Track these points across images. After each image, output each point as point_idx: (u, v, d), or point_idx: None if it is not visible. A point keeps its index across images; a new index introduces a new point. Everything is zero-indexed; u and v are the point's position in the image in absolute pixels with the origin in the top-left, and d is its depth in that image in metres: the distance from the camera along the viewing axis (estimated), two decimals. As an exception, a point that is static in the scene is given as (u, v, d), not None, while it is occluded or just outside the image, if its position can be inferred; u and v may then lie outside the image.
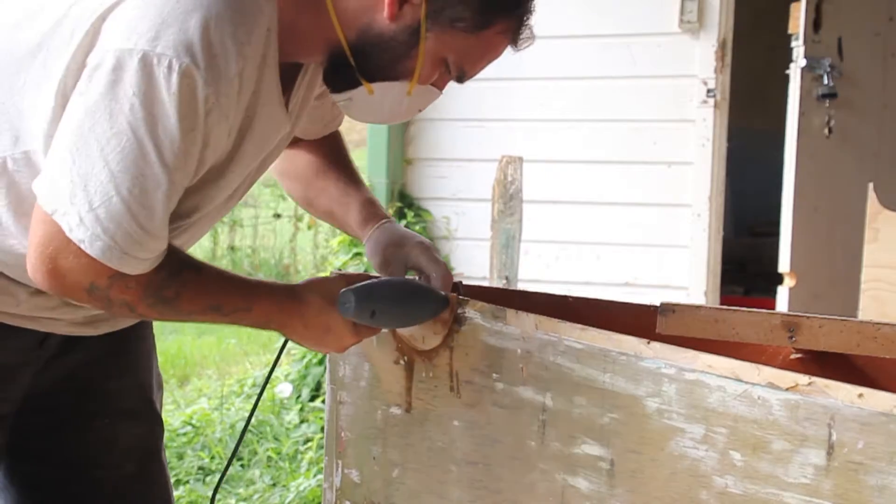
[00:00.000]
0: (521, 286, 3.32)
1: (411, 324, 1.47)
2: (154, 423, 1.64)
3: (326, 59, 1.36)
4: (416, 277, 1.51)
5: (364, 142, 4.52)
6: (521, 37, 1.36)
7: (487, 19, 1.31)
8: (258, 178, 1.49)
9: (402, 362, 1.53)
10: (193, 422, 4.05)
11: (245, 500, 3.43)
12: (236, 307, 1.33)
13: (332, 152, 1.63)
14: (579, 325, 1.28)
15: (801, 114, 3.79)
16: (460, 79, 1.38)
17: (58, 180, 1.20)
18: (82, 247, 1.20)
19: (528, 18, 1.35)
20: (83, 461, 1.56)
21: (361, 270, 3.92)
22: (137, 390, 1.61)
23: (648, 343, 1.20)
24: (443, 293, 1.45)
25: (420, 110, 1.44)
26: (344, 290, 1.36)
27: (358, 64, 1.33)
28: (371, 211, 1.58)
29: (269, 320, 1.36)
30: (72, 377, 1.52)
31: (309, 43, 1.34)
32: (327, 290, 1.38)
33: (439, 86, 1.40)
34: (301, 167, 1.63)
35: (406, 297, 1.44)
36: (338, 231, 4.54)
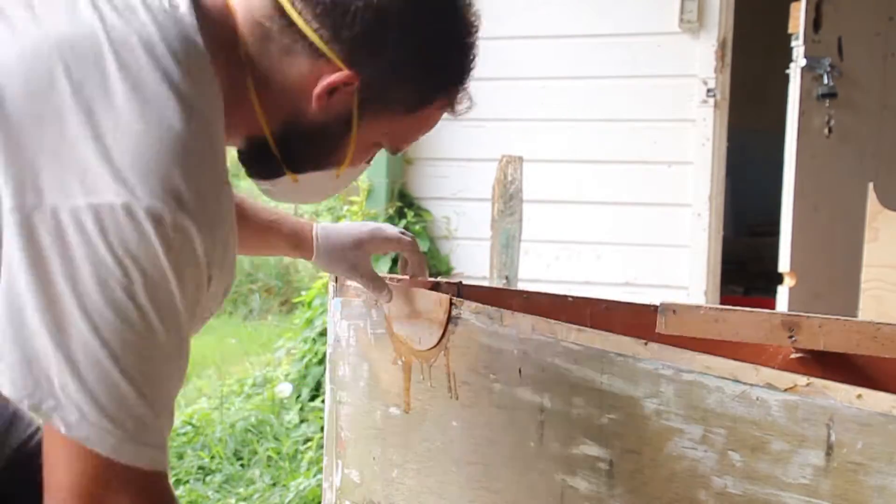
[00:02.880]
0: (521, 286, 3.32)
1: None
2: None
3: (245, 145, 1.22)
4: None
5: (364, 142, 4.51)
6: (459, 106, 1.26)
7: (426, 98, 1.22)
8: None
9: (399, 363, 1.52)
10: (193, 421, 4.05)
11: (245, 499, 3.43)
12: None
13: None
14: (576, 326, 1.28)
15: (801, 113, 3.79)
16: (394, 152, 1.29)
17: (35, 365, 0.95)
18: (87, 445, 0.95)
19: (466, 86, 1.24)
20: None
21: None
22: None
23: (646, 344, 1.20)
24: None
25: (347, 186, 1.34)
26: None
27: (283, 155, 1.21)
28: (298, 226, 1.54)
29: None
30: None
31: (231, 131, 1.14)
32: None
33: (369, 161, 1.30)
34: None
35: None
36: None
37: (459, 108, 1.26)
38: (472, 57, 1.23)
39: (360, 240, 1.53)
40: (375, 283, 1.55)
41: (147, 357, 0.97)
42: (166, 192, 0.97)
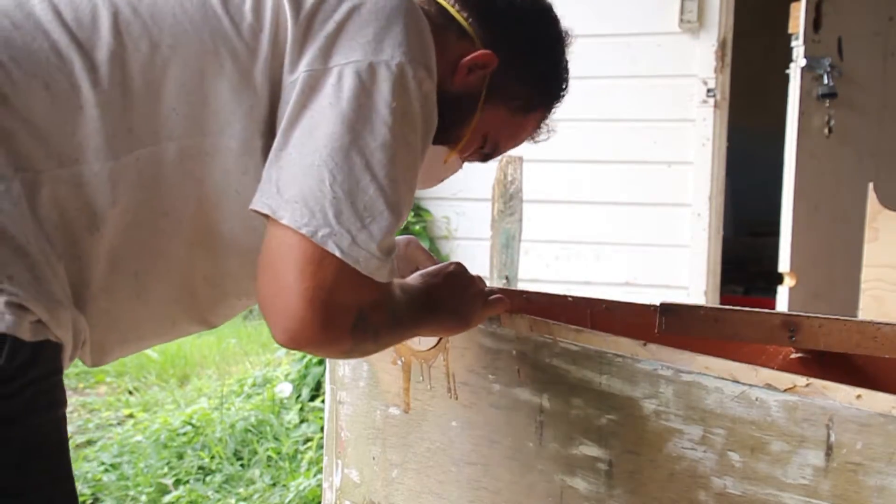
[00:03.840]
0: (521, 286, 3.32)
1: None
2: None
3: None
4: None
5: (364, 141, 4.51)
6: (542, 130, 1.43)
7: (535, 104, 1.38)
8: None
9: (399, 363, 1.52)
10: (193, 421, 4.05)
11: (245, 499, 3.43)
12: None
13: None
14: (574, 327, 1.28)
15: (801, 113, 3.79)
16: (488, 156, 1.40)
17: (311, 198, 1.06)
18: (357, 267, 1.07)
19: (554, 113, 1.41)
20: None
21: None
22: None
23: (645, 345, 1.20)
24: None
25: (440, 182, 1.43)
26: None
27: None
28: None
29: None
30: None
31: None
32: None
33: (468, 159, 1.41)
34: None
35: None
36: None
37: (541, 130, 1.43)
38: (568, 81, 1.43)
39: (406, 240, 1.55)
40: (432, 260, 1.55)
41: (409, 185, 1.13)
42: (410, 50, 1.13)
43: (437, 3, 1.31)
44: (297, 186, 1.07)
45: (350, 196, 1.07)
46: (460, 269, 1.34)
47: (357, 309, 1.09)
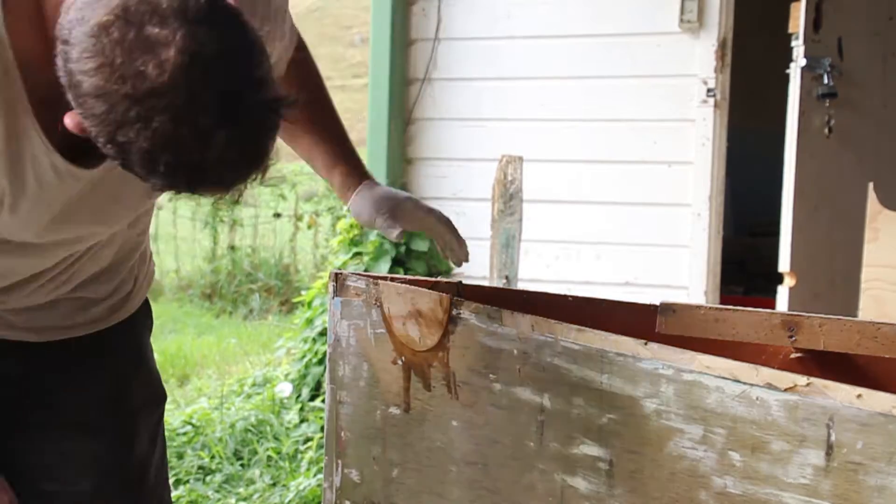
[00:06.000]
0: (521, 286, 3.32)
1: None
2: (123, 440, 1.55)
3: None
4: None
5: (364, 141, 4.52)
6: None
7: None
8: (117, 216, 1.35)
9: (399, 363, 1.52)
10: (193, 421, 4.05)
11: (245, 499, 3.43)
12: None
13: (302, 86, 1.53)
14: (576, 326, 1.28)
15: (801, 113, 3.79)
16: None
17: None
18: None
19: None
20: (33, 472, 1.48)
21: (361, 270, 3.92)
22: (98, 404, 1.53)
23: (646, 344, 1.20)
24: None
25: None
26: None
27: None
28: (357, 169, 1.60)
29: None
30: (8, 384, 1.45)
31: None
32: None
33: None
34: None
35: None
36: (338, 231, 4.55)
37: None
38: None
39: (395, 195, 1.57)
40: (388, 223, 1.55)
41: None
42: None
43: None
44: None
45: None
46: None
47: None
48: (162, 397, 1.65)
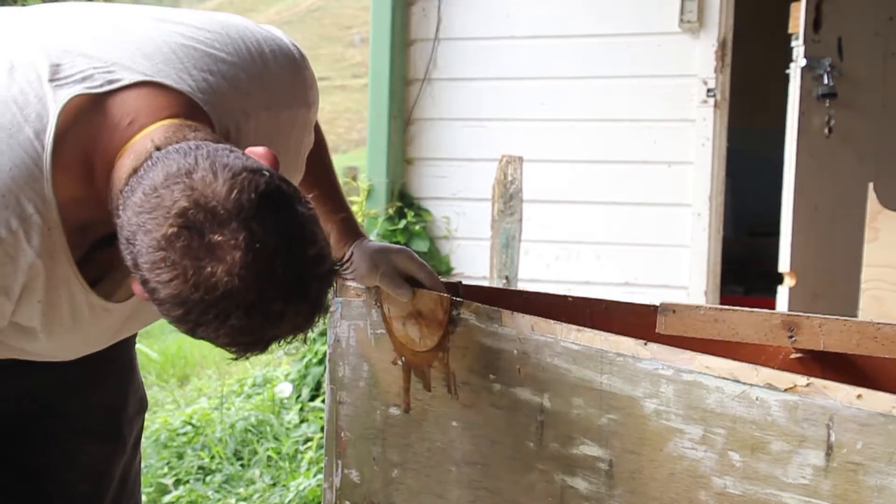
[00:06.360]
0: (521, 286, 3.32)
1: None
2: (118, 445, 1.60)
3: None
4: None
5: (364, 141, 4.52)
6: None
7: None
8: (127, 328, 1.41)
9: (399, 363, 1.52)
10: (193, 421, 4.05)
11: (245, 499, 3.43)
12: None
13: (314, 169, 1.57)
14: (575, 327, 1.28)
15: (801, 113, 3.79)
16: None
17: None
18: None
19: None
20: (38, 475, 1.53)
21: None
22: (103, 411, 1.58)
23: (646, 344, 1.20)
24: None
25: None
26: None
27: None
28: (350, 228, 1.60)
29: None
30: (30, 398, 1.50)
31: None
32: None
33: None
34: None
35: None
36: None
37: None
38: None
39: (388, 248, 1.56)
40: (394, 281, 1.55)
41: None
42: None
43: None
44: None
45: None
46: None
47: None
48: (146, 405, 1.70)
